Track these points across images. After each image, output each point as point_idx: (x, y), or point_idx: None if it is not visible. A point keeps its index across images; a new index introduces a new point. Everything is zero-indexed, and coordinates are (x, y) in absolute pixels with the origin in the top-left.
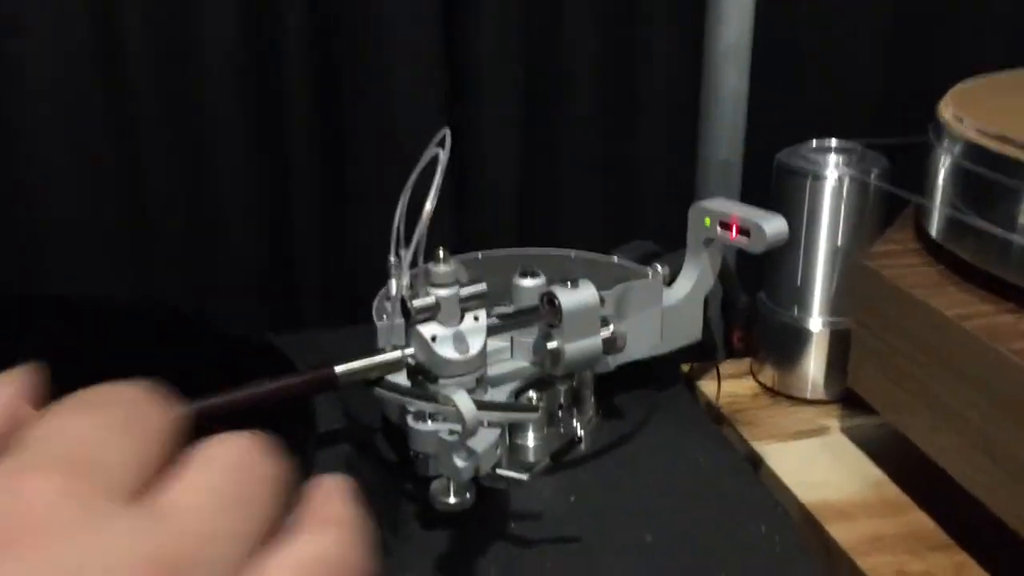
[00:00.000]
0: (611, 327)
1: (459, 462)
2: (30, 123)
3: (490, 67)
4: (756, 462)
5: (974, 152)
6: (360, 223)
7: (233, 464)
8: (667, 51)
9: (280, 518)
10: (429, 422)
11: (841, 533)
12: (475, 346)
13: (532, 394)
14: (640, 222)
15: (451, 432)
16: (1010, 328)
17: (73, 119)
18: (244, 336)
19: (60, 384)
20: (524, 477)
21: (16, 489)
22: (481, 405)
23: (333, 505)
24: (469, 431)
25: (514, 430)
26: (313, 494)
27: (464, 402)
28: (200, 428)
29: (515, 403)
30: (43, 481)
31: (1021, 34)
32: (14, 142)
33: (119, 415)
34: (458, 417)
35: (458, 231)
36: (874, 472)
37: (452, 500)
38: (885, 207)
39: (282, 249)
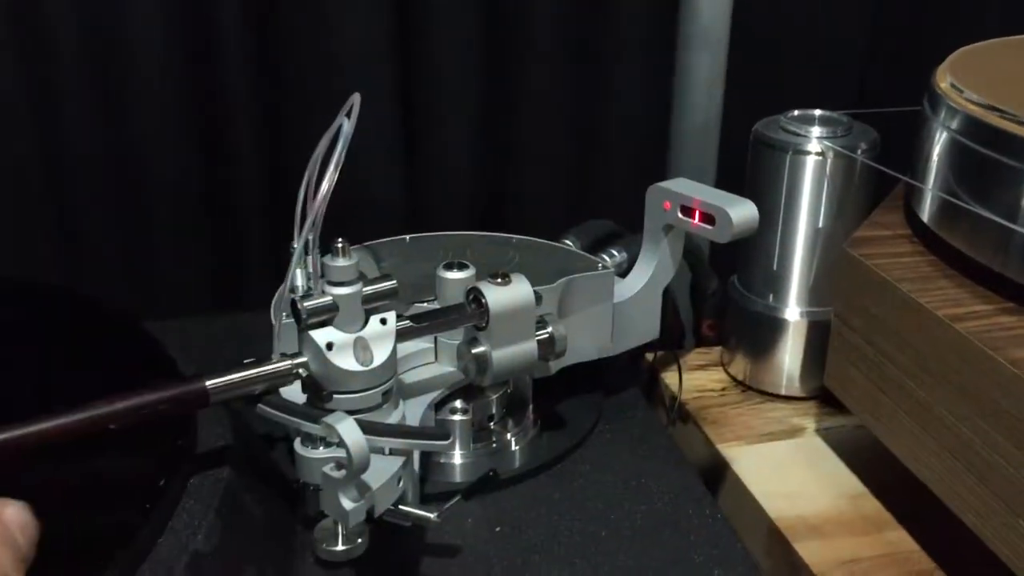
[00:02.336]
0: (549, 329)
1: (347, 503)
2: None
3: (445, 28)
4: (721, 468)
5: (974, 127)
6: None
7: None
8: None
9: None
10: (320, 447)
11: (812, 554)
12: (380, 355)
13: (458, 405)
14: (608, 197)
15: (338, 466)
16: (1009, 333)
17: None
18: (117, 320)
19: None
20: (433, 515)
21: None
22: (378, 431)
23: None
24: (357, 468)
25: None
26: None
27: (351, 433)
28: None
29: (422, 428)
30: None
31: None
32: None
33: None
34: (345, 450)
35: (407, 212)
36: (851, 482)
37: (339, 547)
38: (872, 187)
39: (220, 218)
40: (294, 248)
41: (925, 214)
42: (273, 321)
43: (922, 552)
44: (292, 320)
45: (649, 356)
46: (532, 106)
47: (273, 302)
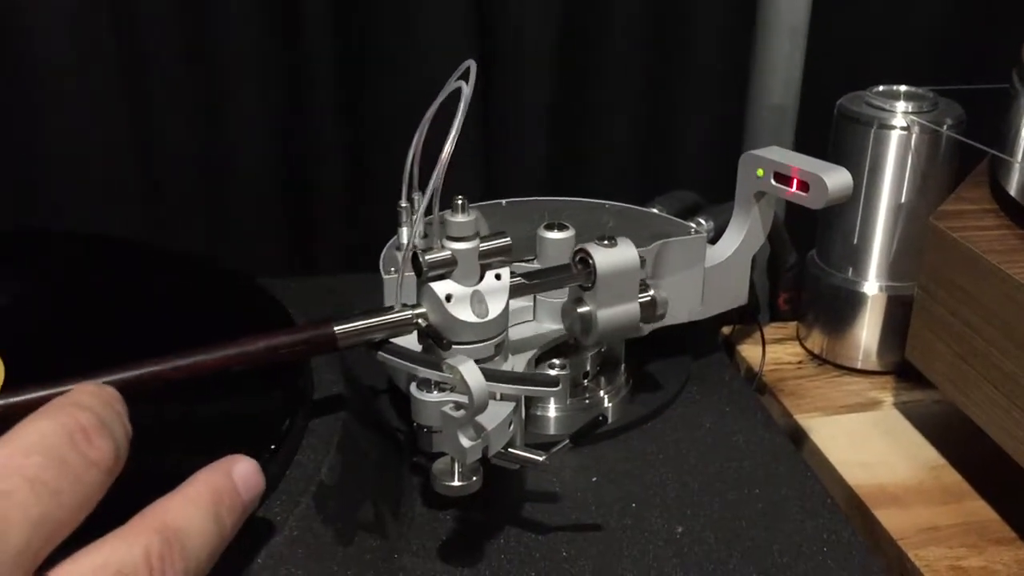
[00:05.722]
0: (651, 292)
1: (465, 441)
2: (40, 49)
3: None
4: (799, 437)
5: None
6: (382, 162)
7: None
8: None
9: None
10: (435, 392)
11: (891, 521)
12: (495, 308)
13: (556, 361)
14: (683, 171)
15: (457, 406)
16: None
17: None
18: (232, 277)
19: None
20: (541, 458)
21: None
22: (494, 376)
23: None
24: (477, 407)
25: (532, 400)
26: None
27: (472, 374)
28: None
29: (534, 375)
30: None
31: None
32: (18, 66)
33: None
34: (465, 390)
35: (484, 175)
36: (930, 454)
37: (456, 483)
38: (957, 161)
39: (298, 186)
40: (402, 207)
41: (1013, 188)
42: (383, 275)
43: (1003, 522)
44: (410, 274)
45: (726, 329)
46: (610, 74)
47: (382, 256)
